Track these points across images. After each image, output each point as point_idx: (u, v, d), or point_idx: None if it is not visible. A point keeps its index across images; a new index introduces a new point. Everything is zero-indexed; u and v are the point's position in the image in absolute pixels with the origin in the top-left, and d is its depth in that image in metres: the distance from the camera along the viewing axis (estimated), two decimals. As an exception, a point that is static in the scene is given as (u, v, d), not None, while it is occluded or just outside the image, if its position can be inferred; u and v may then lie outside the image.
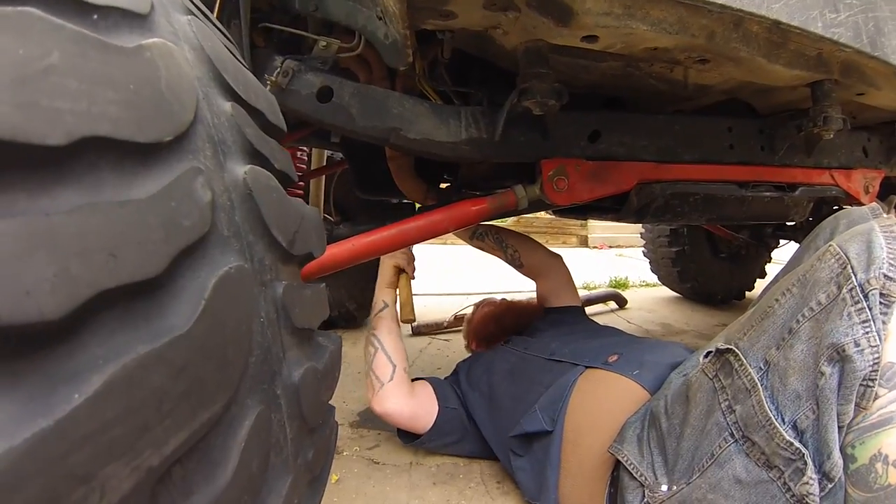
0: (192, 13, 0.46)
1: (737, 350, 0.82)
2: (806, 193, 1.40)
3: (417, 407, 1.27)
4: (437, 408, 1.29)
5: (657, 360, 1.07)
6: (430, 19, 0.86)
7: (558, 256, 1.65)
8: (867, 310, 0.69)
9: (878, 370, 0.67)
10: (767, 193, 1.35)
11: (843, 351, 0.68)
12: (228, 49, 0.52)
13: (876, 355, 0.67)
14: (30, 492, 0.22)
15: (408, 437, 1.33)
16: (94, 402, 0.25)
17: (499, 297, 1.80)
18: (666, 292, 3.49)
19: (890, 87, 1.11)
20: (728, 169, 1.30)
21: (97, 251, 0.26)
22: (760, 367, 0.78)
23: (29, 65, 0.26)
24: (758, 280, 3.25)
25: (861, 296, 0.70)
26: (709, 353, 0.88)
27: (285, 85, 0.98)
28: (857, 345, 0.68)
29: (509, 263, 1.67)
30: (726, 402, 0.80)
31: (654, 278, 3.46)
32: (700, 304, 3.20)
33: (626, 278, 3.95)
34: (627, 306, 3.14)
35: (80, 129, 0.27)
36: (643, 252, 3.32)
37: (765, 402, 0.75)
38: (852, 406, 0.68)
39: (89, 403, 0.25)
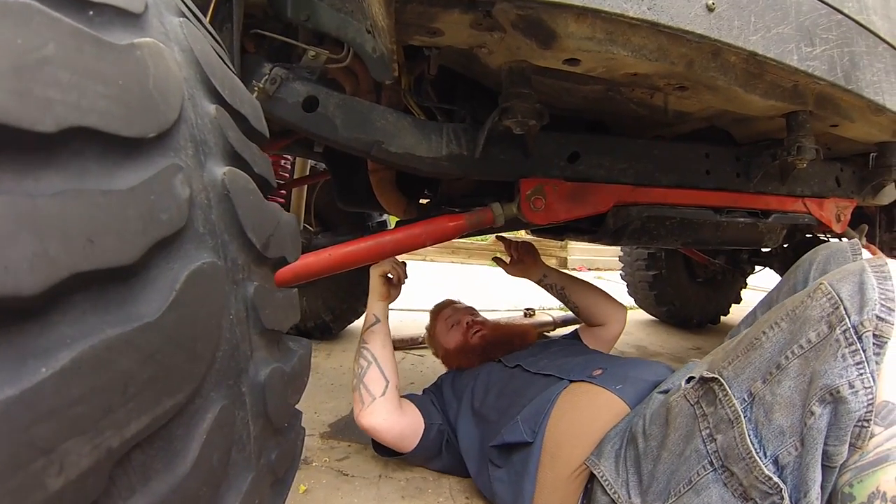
0: (184, 16, 0.47)
1: (721, 379, 0.81)
2: (779, 220, 1.44)
3: (407, 426, 1.24)
4: (423, 427, 1.27)
5: (640, 377, 1.09)
6: (417, 35, 0.88)
7: (621, 311, 1.64)
8: (861, 351, 0.70)
9: (872, 410, 0.68)
10: (742, 219, 1.39)
11: (838, 392, 0.69)
12: (217, 53, 0.53)
13: (870, 396, 0.68)
14: (-9, 456, 0.23)
15: (384, 451, 1.32)
16: (60, 378, 0.26)
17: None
18: (642, 315, 3.53)
19: (863, 119, 1.15)
20: (704, 194, 1.33)
21: (76, 235, 0.27)
22: (744, 399, 0.78)
23: (26, 54, 0.27)
24: (733, 305, 3.31)
25: (855, 337, 0.71)
26: (691, 378, 0.87)
27: (272, 92, 0.99)
28: (851, 386, 0.69)
29: (573, 312, 1.70)
30: (707, 431, 0.80)
31: (631, 301, 3.49)
32: (676, 327, 3.24)
33: (605, 300, 3.97)
34: (605, 328, 3.16)
35: (69, 118, 0.29)
36: (621, 275, 3.36)
37: (747, 434, 0.75)
38: (846, 446, 0.69)
39: (55, 378, 0.26)
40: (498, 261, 1.78)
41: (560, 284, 1.66)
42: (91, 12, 0.34)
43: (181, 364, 0.34)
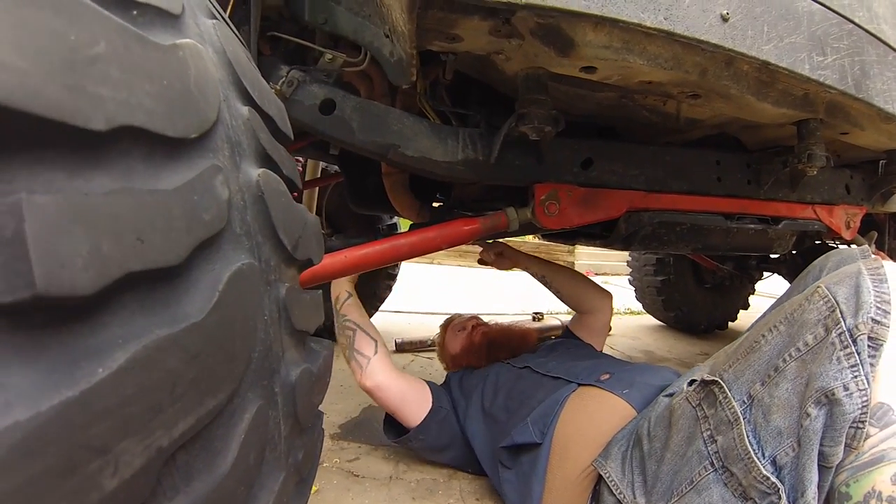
0: (216, 17, 0.48)
1: (721, 382, 0.83)
2: (789, 227, 1.44)
3: (408, 388, 1.28)
4: (430, 402, 1.30)
5: (646, 381, 1.10)
6: (436, 41, 0.88)
7: (606, 297, 1.69)
8: (856, 354, 0.71)
9: (867, 412, 0.69)
10: (752, 226, 1.39)
11: (833, 395, 0.70)
12: (246, 55, 0.53)
13: (865, 398, 0.69)
14: (50, 459, 0.23)
15: (394, 433, 1.34)
16: (115, 378, 0.26)
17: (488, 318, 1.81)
18: (650, 320, 3.52)
19: (873, 127, 1.15)
20: (715, 201, 1.33)
21: (127, 234, 0.27)
22: (744, 401, 0.80)
23: (79, 50, 0.27)
24: (741, 311, 3.30)
25: (850, 340, 0.72)
26: (693, 381, 0.89)
27: (289, 94, 0.99)
28: (846, 389, 0.70)
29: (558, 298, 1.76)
30: (708, 432, 0.82)
31: (638, 306, 3.50)
32: (683, 333, 3.23)
33: (611, 306, 3.96)
34: (611, 333, 3.15)
35: (119, 116, 0.29)
36: (629, 280, 3.36)
37: (746, 435, 0.77)
38: (842, 447, 0.70)
39: (111, 379, 0.26)
40: (483, 262, 1.86)
41: (541, 273, 1.74)
42: (135, 12, 0.34)
43: (222, 364, 0.34)
